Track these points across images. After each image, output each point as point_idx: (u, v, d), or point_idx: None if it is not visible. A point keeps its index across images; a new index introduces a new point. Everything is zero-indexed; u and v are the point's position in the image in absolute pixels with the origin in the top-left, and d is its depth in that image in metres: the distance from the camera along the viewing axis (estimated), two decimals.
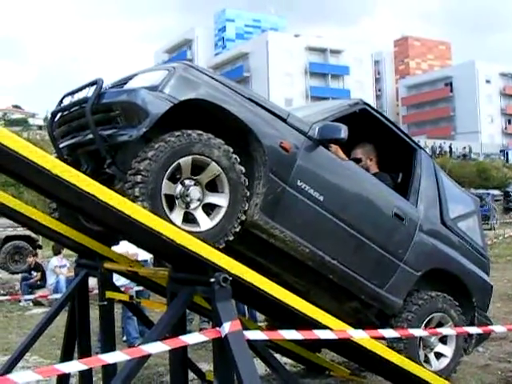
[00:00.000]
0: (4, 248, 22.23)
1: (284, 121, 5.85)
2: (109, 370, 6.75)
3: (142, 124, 4.91)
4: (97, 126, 5.15)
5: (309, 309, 5.55)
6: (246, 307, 11.77)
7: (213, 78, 5.45)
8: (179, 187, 5.14)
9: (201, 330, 11.05)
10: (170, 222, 4.95)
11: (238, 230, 5.37)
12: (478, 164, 64.57)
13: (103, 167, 5.36)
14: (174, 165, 5.01)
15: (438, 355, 7.14)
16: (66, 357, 7.33)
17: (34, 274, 17.90)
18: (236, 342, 4.83)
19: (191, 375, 7.90)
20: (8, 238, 22.27)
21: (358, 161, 7.01)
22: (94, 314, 7.36)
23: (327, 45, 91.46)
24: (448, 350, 7.16)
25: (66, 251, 15.52)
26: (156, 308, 7.35)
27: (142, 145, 5.04)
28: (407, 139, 7.32)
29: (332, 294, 6.71)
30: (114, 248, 7.43)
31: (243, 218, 5.42)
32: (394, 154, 7.40)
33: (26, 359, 9.66)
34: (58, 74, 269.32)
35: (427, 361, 7.01)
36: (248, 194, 5.41)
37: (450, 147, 73.79)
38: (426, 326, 6.92)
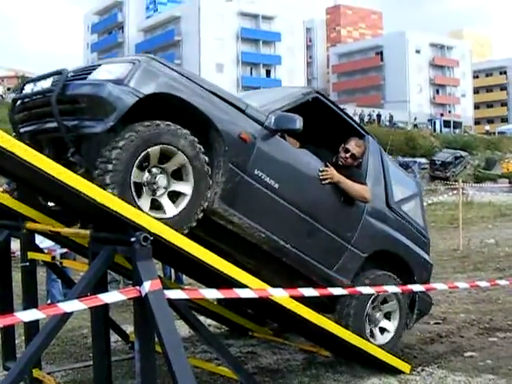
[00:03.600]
0: None
1: (243, 112, 6.09)
2: (31, 332, 6.73)
3: (109, 118, 5.10)
4: (61, 116, 5.25)
5: (227, 267, 5.62)
6: (172, 270, 11.86)
7: (175, 71, 5.63)
8: (146, 175, 5.36)
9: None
10: (139, 208, 5.16)
11: (200, 216, 5.62)
12: (406, 133, 65.46)
13: (64, 154, 5.47)
14: (143, 154, 5.21)
15: (382, 330, 7.54)
16: None
17: None
18: (156, 300, 4.86)
19: (115, 337, 7.95)
20: None
21: (353, 156, 7.27)
22: (18, 277, 7.30)
23: (259, 11, 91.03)
24: (391, 326, 7.59)
25: None
26: (79, 269, 7.33)
27: (106, 135, 5.19)
28: (356, 126, 7.63)
29: (282, 275, 6.92)
30: None
31: (205, 205, 5.67)
32: (342, 140, 7.46)
33: None
34: None
35: (373, 336, 7.39)
36: (211, 183, 5.68)
37: (379, 115, 74.66)
38: (372, 303, 7.35)
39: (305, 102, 6.81)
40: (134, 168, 5.19)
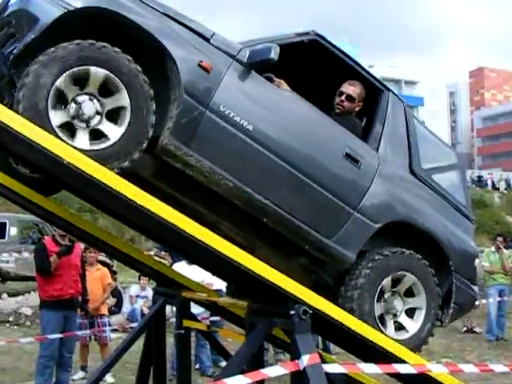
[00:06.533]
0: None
1: (207, 40, 5.27)
2: None
3: (32, 31, 4.51)
4: (4, 45, 4.80)
5: (388, 343, 5.54)
6: (319, 338, 11.75)
7: None
8: (73, 106, 4.65)
9: (277, 361, 11.14)
10: (72, 146, 4.52)
11: (137, 155, 4.86)
12: None
13: None
14: (61, 78, 4.55)
15: (399, 326, 6.19)
16: (141, 383, 7.45)
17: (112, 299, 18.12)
18: (314, 375, 4.81)
19: None
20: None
21: (349, 98, 6.26)
22: (168, 341, 7.44)
23: (401, 75, 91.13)
24: (412, 325, 6.19)
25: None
26: (233, 338, 7.39)
27: None
28: (372, 79, 6.48)
29: (277, 248, 6.07)
30: (190, 276, 7.53)
31: (145, 142, 4.88)
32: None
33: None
34: None
35: (383, 324, 6.06)
36: (154, 115, 4.90)
37: None
38: (392, 286, 6.12)
39: (298, 44, 5.81)
40: (53, 91, 4.51)
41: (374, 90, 6.44)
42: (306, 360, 4.80)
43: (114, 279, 19.87)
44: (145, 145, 4.87)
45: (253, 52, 5.39)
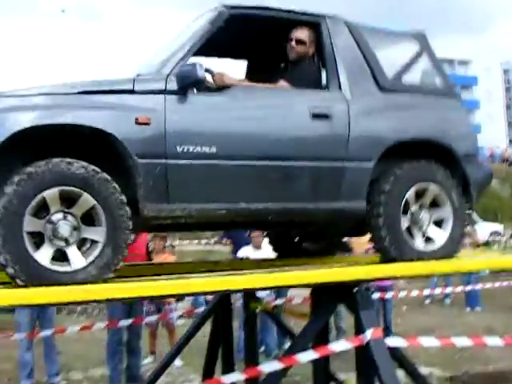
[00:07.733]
0: None
1: (131, 92, 4.94)
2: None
3: None
4: None
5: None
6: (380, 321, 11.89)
7: (31, 95, 4.72)
8: (47, 224, 4.50)
9: (337, 328, 11.59)
10: (34, 261, 4.35)
11: (120, 263, 4.67)
12: None
13: None
14: (33, 202, 4.41)
15: (428, 237, 5.93)
16: (210, 365, 7.68)
17: None
18: (377, 348, 5.03)
19: None
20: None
21: (299, 41, 5.93)
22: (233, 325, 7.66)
23: (454, 55, 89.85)
24: (441, 235, 5.94)
25: None
26: (298, 318, 7.57)
27: None
28: (306, 16, 5.98)
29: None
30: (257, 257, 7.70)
31: (126, 251, 4.69)
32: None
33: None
34: None
35: (411, 236, 5.82)
36: (130, 224, 4.70)
37: None
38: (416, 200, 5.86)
39: (216, 32, 5.38)
40: (27, 216, 4.36)
41: (313, 26, 6.02)
42: (369, 334, 5.04)
43: None
44: (120, 263, 4.66)
45: (179, 77, 5.07)
